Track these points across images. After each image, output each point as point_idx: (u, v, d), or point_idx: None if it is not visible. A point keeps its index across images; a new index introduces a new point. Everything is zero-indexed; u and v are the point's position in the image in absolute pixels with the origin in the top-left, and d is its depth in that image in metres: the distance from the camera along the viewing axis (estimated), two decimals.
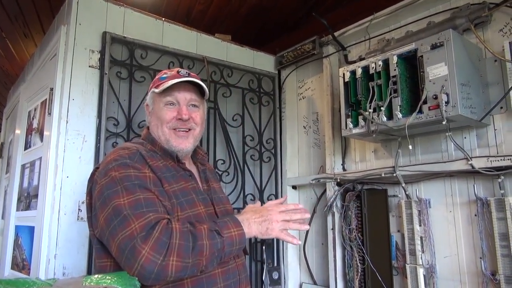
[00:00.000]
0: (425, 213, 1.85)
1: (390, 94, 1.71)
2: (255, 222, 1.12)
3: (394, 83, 1.71)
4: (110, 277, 1.00)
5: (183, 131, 1.24)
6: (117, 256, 1.00)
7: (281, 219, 1.14)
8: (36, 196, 2.03)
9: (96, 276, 1.01)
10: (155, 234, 0.96)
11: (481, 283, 1.66)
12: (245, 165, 2.55)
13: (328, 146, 2.35)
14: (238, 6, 2.81)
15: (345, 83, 1.95)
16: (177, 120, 1.22)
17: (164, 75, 1.26)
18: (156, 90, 1.23)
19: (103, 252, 1.10)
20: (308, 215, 1.19)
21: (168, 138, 1.22)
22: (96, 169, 1.17)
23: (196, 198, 1.19)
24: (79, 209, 1.84)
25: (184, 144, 1.23)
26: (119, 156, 1.11)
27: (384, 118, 1.73)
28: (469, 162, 1.67)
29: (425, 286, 1.79)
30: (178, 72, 1.25)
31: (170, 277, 0.97)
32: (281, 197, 2.65)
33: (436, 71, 1.59)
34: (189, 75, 1.24)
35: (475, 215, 1.71)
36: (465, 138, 1.80)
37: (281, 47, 2.75)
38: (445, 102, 1.54)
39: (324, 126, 2.41)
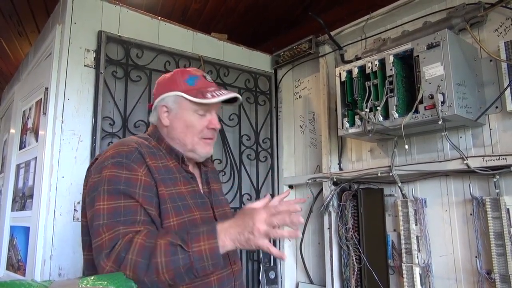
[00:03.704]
0: (421, 213, 1.86)
1: (386, 94, 1.71)
2: (233, 232, 0.98)
3: (390, 82, 1.71)
4: (106, 279, 0.99)
5: (210, 139, 1.24)
6: (94, 258, 1.02)
7: (265, 227, 0.97)
8: (31, 196, 2.01)
9: (92, 277, 1.00)
10: (117, 249, 0.96)
11: (477, 282, 1.67)
12: (242, 165, 2.55)
13: (324, 145, 2.35)
14: (234, 5, 2.80)
15: (342, 83, 1.95)
16: (208, 129, 1.22)
17: (191, 78, 1.20)
18: (193, 99, 1.16)
19: (89, 245, 1.09)
20: (301, 220, 1.04)
21: (196, 146, 1.21)
22: (95, 160, 1.15)
23: (192, 203, 1.15)
24: (74, 210, 1.83)
25: (210, 150, 1.24)
26: (117, 153, 1.09)
27: (381, 118, 1.73)
28: (465, 162, 1.68)
29: (421, 285, 1.80)
30: (204, 76, 1.23)
31: None
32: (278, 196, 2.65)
33: (432, 71, 1.60)
34: (214, 83, 1.24)
35: (471, 214, 1.72)
36: (460, 137, 1.81)
37: (278, 47, 2.75)
38: (441, 102, 1.54)
39: (321, 126, 2.41)
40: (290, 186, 2.65)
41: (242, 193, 2.51)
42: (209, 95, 1.16)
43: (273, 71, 2.81)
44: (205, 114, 1.21)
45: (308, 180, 2.39)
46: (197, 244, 0.95)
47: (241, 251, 2.46)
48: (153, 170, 1.11)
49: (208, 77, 1.24)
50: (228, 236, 0.98)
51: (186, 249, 0.94)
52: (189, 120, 1.19)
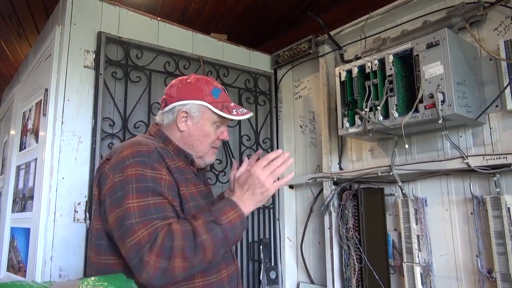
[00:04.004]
0: (422, 212, 1.85)
1: (386, 93, 1.71)
2: (248, 198, 1.11)
3: (390, 82, 1.71)
4: (106, 280, 0.99)
5: (216, 148, 1.32)
6: (127, 260, 1.00)
7: (267, 173, 1.11)
8: (31, 197, 2.01)
9: (92, 278, 1.00)
10: (158, 241, 0.97)
11: (478, 281, 1.67)
12: (242, 165, 2.54)
13: (324, 145, 2.35)
14: (233, 5, 2.80)
15: (341, 83, 1.95)
16: (218, 140, 1.30)
17: (215, 90, 1.26)
18: (220, 113, 1.23)
19: (110, 249, 1.08)
20: (291, 160, 1.19)
21: (205, 154, 1.28)
22: (106, 160, 1.13)
23: (202, 202, 1.19)
24: (75, 211, 1.83)
25: (214, 159, 1.33)
26: (138, 152, 1.09)
27: (381, 117, 1.73)
28: (465, 161, 1.68)
29: (422, 285, 1.80)
30: (224, 90, 1.30)
31: (178, 278, 1.00)
32: (278, 196, 2.65)
33: (432, 70, 1.60)
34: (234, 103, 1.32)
35: (471, 213, 1.72)
36: (461, 137, 1.81)
37: (277, 47, 2.75)
38: (441, 101, 1.54)
39: (321, 126, 2.41)
40: (291, 186, 2.65)
41: None
42: (234, 111, 1.26)
43: (273, 71, 2.81)
44: (220, 126, 1.28)
45: (309, 180, 2.39)
46: (225, 217, 1.05)
47: (241, 252, 2.46)
48: (172, 170, 1.13)
49: (226, 91, 1.33)
50: (245, 202, 1.10)
51: (219, 223, 1.03)
52: (207, 130, 1.25)
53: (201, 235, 1.00)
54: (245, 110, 1.29)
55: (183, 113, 1.23)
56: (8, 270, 2.26)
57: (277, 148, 2.73)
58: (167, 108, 1.24)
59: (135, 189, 1.03)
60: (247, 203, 1.10)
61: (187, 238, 0.99)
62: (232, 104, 1.28)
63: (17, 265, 2.11)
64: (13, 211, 2.32)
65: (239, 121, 2.56)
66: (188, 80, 1.27)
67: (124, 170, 1.05)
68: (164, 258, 0.96)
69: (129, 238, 0.98)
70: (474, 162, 1.66)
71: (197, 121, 1.23)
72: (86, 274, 1.19)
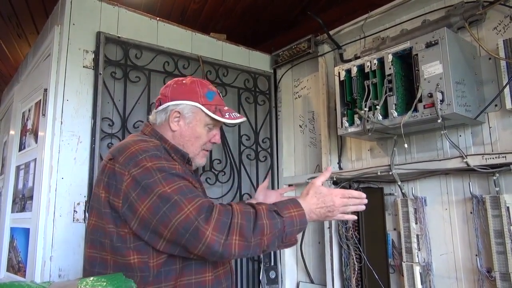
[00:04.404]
0: (421, 211, 1.85)
1: (386, 93, 1.71)
2: (315, 207, 1.14)
3: (389, 81, 1.71)
4: (105, 280, 0.99)
5: (207, 150, 1.33)
6: (175, 239, 1.00)
7: (343, 205, 1.18)
8: (31, 197, 2.01)
9: (91, 278, 1.00)
10: (214, 215, 0.99)
11: (477, 280, 1.67)
12: (242, 165, 2.54)
13: (324, 145, 2.35)
14: (233, 5, 2.80)
15: (341, 82, 1.95)
16: (210, 142, 1.31)
17: (209, 93, 1.28)
18: (212, 115, 1.24)
19: (127, 250, 1.06)
20: (363, 208, 1.27)
21: (196, 156, 1.29)
22: (110, 160, 1.11)
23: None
24: (74, 211, 1.83)
25: (204, 161, 1.34)
26: (146, 147, 1.10)
27: (380, 117, 1.73)
28: (465, 160, 1.68)
29: (421, 284, 1.80)
30: (219, 94, 1.32)
31: (234, 256, 1.01)
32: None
33: (431, 69, 1.60)
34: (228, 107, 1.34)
35: (471, 212, 1.72)
36: (460, 136, 1.81)
37: (277, 46, 2.75)
38: (440, 101, 1.54)
39: (320, 125, 2.41)
40: (290, 185, 2.65)
41: (242, 193, 2.51)
42: (227, 115, 1.27)
43: (272, 71, 2.81)
44: (212, 129, 1.30)
45: (308, 179, 2.39)
46: (287, 211, 1.08)
47: None
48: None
49: (221, 95, 1.34)
50: (312, 208, 1.13)
51: (281, 215, 1.06)
52: (199, 132, 1.27)
53: (262, 219, 1.03)
54: (238, 115, 1.31)
55: (176, 113, 1.24)
56: (8, 270, 2.26)
57: (277, 148, 2.73)
58: (160, 108, 1.26)
59: (162, 178, 1.04)
60: (313, 210, 1.13)
61: (246, 218, 1.02)
62: (226, 108, 1.29)
63: (17, 265, 2.11)
64: (12, 211, 2.33)
65: None
66: (184, 82, 1.29)
67: (139, 164, 1.06)
68: (220, 233, 0.98)
69: (175, 216, 0.99)
70: (474, 162, 1.66)
71: (189, 122, 1.25)
72: (85, 271, 1.18)
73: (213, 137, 1.31)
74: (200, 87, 1.27)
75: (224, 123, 1.30)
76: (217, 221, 0.98)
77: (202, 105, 1.24)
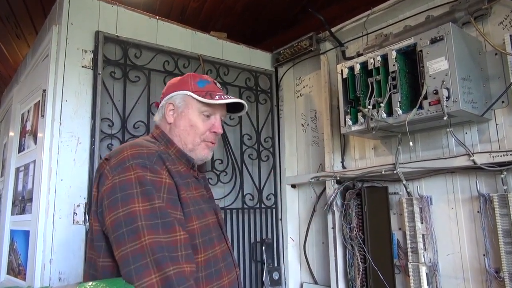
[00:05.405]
0: (427, 211, 1.82)
1: (390, 90, 1.68)
2: None
3: (393, 78, 1.68)
4: (104, 284, 0.97)
5: (211, 143, 1.26)
6: (120, 264, 0.96)
7: None
8: (30, 200, 1.99)
9: (90, 283, 0.97)
10: (168, 272, 0.94)
11: (485, 280, 1.63)
12: (243, 165, 2.51)
13: (327, 143, 2.32)
14: (233, 3, 2.77)
15: (343, 80, 1.92)
16: (210, 132, 1.24)
17: (201, 81, 1.24)
18: (200, 99, 1.20)
19: (108, 251, 1.05)
20: None
21: (196, 147, 1.23)
22: (105, 160, 1.10)
23: (204, 207, 1.17)
24: (74, 213, 1.80)
25: (209, 154, 1.26)
26: (138, 153, 1.06)
27: (384, 115, 1.69)
28: (471, 158, 1.64)
29: (428, 284, 1.77)
30: (215, 83, 1.27)
31: None
32: (281, 196, 2.62)
33: (436, 65, 1.56)
34: (223, 90, 1.29)
35: (478, 211, 1.69)
36: (466, 133, 1.77)
37: (278, 44, 2.71)
38: (446, 97, 1.51)
39: (323, 124, 2.38)
40: (293, 186, 2.62)
41: (244, 193, 2.48)
42: (216, 97, 1.21)
43: (273, 69, 2.77)
44: (209, 116, 1.24)
45: (311, 179, 2.36)
46: None
47: (243, 253, 2.43)
48: (173, 173, 1.10)
49: (218, 84, 1.29)
50: None
51: None
52: (194, 120, 1.22)
53: None
54: (231, 97, 1.24)
55: (169, 105, 1.24)
56: (8, 273, 2.24)
57: (279, 147, 2.70)
58: (159, 106, 1.28)
59: (141, 193, 1.00)
60: None
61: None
62: (220, 93, 1.24)
63: (17, 268, 2.09)
64: (12, 214, 2.30)
65: (240, 121, 2.53)
66: (179, 78, 1.29)
67: (125, 171, 1.03)
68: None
69: (130, 242, 0.95)
70: (481, 160, 1.62)
71: (181, 111, 1.23)
72: (85, 273, 1.16)
73: (212, 126, 1.25)
74: (192, 78, 1.26)
75: (214, 106, 1.23)
76: (167, 278, 0.93)
77: (192, 92, 1.22)
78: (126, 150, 1.08)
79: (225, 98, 1.21)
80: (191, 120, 1.22)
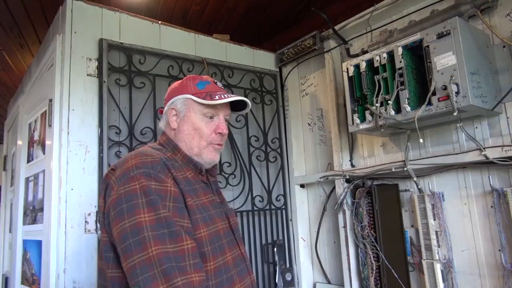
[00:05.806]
0: (439, 207, 1.80)
1: (397, 87, 1.66)
2: None
3: (401, 75, 1.66)
4: None
5: (218, 144, 1.23)
6: (128, 276, 0.96)
7: None
8: (41, 209, 2.00)
9: None
10: (176, 282, 0.92)
11: (502, 276, 1.62)
12: (252, 166, 2.51)
13: (334, 142, 2.30)
14: (234, 4, 2.76)
15: (349, 78, 1.90)
16: (216, 134, 1.22)
17: (201, 83, 1.22)
18: (200, 101, 1.18)
19: (116, 262, 1.04)
20: None
21: (202, 150, 1.20)
22: (111, 170, 1.10)
23: (214, 213, 1.15)
24: (86, 222, 1.81)
25: (216, 157, 1.23)
26: (142, 163, 1.05)
27: (392, 112, 1.68)
28: (483, 153, 1.62)
29: (443, 281, 1.75)
30: (215, 82, 1.25)
31: None
32: (290, 196, 2.61)
33: (444, 61, 1.55)
34: (226, 89, 1.26)
35: (492, 206, 1.67)
36: (476, 128, 1.75)
37: (281, 44, 2.70)
38: (455, 93, 1.49)
39: (330, 123, 2.36)
40: (302, 186, 2.61)
41: (254, 195, 2.47)
42: (216, 97, 1.18)
43: (278, 70, 2.76)
44: (213, 118, 1.22)
45: (320, 178, 2.35)
46: None
47: (255, 254, 2.42)
48: (179, 181, 1.09)
49: (219, 83, 1.26)
50: None
51: None
52: (197, 123, 1.20)
53: None
54: (232, 95, 1.21)
55: (172, 110, 1.23)
56: (22, 283, 2.25)
57: (286, 147, 2.69)
58: (163, 112, 1.27)
59: (146, 203, 0.99)
60: None
61: None
62: (220, 92, 1.21)
63: (31, 278, 2.10)
64: (24, 224, 2.31)
65: (246, 122, 2.52)
66: (179, 82, 1.28)
67: (129, 181, 1.02)
68: None
69: (137, 253, 0.94)
70: (493, 154, 1.60)
71: (184, 115, 1.21)
72: (98, 282, 1.16)
73: (217, 127, 1.22)
74: (191, 80, 1.24)
75: (216, 107, 1.20)
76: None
77: (192, 94, 1.20)
78: (131, 159, 1.07)
79: (225, 97, 1.19)
80: (194, 123, 1.20)
